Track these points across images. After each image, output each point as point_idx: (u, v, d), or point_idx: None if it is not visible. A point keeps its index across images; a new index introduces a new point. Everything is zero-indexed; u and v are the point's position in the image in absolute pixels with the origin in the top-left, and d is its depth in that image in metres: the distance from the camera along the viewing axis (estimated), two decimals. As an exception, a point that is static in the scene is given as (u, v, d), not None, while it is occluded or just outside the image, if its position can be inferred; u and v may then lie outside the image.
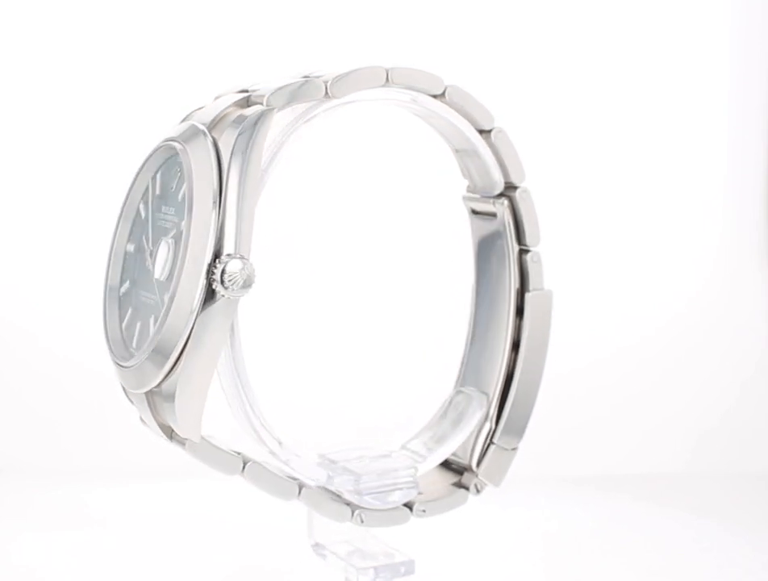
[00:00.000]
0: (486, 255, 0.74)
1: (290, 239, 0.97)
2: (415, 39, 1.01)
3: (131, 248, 0.67)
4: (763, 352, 1.06)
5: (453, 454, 0.74)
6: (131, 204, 0.67)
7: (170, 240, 0.63)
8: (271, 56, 0.99)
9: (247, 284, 0.60)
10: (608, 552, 0.83)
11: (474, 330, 0.76)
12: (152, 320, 0.63)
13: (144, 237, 0.66)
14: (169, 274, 0.62)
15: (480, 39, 1.03)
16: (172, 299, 0.60)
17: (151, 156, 0.66)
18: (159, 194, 0.65)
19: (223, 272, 0.60)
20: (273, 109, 0.63)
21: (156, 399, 0.63)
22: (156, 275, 0.63)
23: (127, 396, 0.66)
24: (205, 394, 0.61)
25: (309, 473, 0.69)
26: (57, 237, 1.02)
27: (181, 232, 0.61)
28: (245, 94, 0.65)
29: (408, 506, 0.71)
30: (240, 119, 0.62)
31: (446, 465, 0.75)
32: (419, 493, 0.72)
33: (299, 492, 0.68)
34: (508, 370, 0.74)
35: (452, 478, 0.74)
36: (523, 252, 0.73)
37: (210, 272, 0.60)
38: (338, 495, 0.70)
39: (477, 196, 0.74)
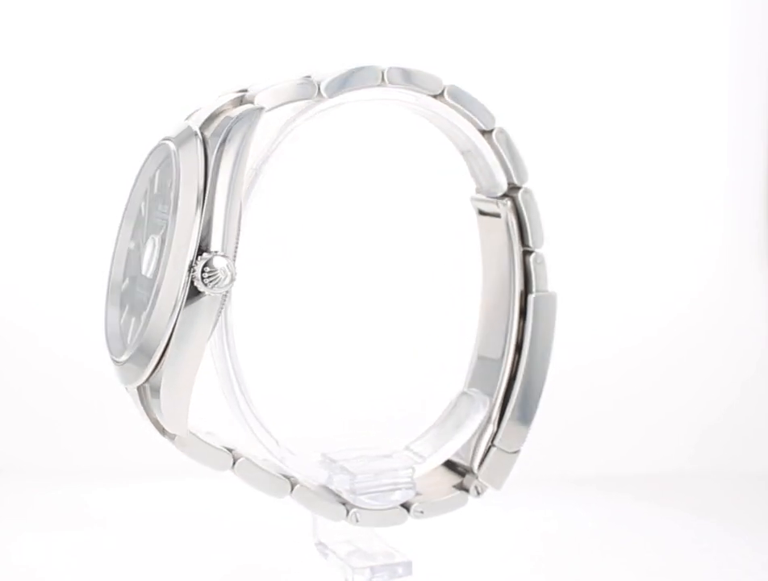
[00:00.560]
0: (492, 256, 0.74)
1: (292, 238, 0.97)
2: (417, 40, 1.01)
3: (132, 245, 0.68)
4: (764, 352, 1.06)
5: (458, 456, 0.74)
6: (134, 202, 0.68)
7: (156, 238, 0.63)
8: (281, 56, 0.99)
9: (229, 282, 0.61)
10: (608, 552, 0.83)
11: (480, 331, 0.76)
12: (142, 316, 0.64)
13: (142, 235, 0.66)
14: (155, 271, 0.63)
15: (482, 39, 1.03)
16: (156, 296, 0.61)
17: (151, 155, 0.66)
18: (156, 193, 0.66)
19: (203, 270, 0.60)
20: (261, 108, 0.63)
21: (146, 395, 0.64)
22: (143, 272, 0.64)
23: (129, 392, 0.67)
24: (190, 390, 0.62)
25: (309, 472, 0.69)
26: (57, 237, 1.02)
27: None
28: (241, 94, 0.65)
29: (406, 507, 0.71)
30: (228, 119, 0.62)
31: (452, 467, 0.75)
32: (418, 494, 0.72)
33: (291, 490, 0.68)
34: (511, 373, 0.73)
35: (455, 480, 0.74)
36: (526, 253, 0.73)
37: (191, 269, 0.61)
38: (337, 495, 0.70)
39: (484, 197, 0.74)
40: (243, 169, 0.62)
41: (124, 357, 0.63)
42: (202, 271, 0.60)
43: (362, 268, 1.00)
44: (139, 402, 0.64)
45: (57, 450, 0.99)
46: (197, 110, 0.66)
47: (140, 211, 0.67)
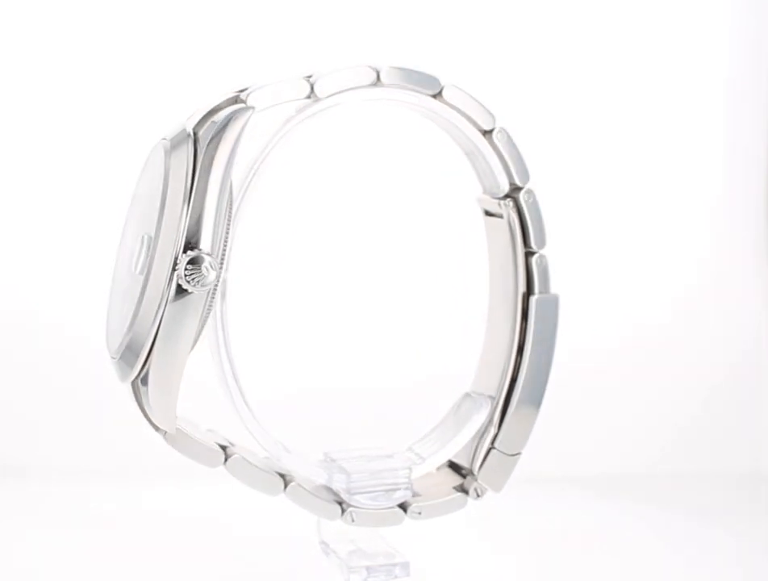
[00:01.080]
0: (497, 257, 0.74)
1: (294, 239, 0.97)
2: (417, 40, 1.01)
3: (133, 244, 0.68)
4: (763, 352, 1.06)
5: (460, 458, 0.74)
6: (136, 201, 0.68)
7: (146, 236, 0.64)
8: (288, 56, 0.99)
9: (214, 279, 0.61)
10: (608, 552, 0.83)
11: (484, 333, 0.75)
12: (131, 314, 0.64)
13: (140, 234, 0.66)
14: (142, 269, 0.63)
15: (482, 39, 1.03)
16: (143, 293, 0.62)
17: (151, 154, 0.67)
18: (152, 192, 0.66)
19: (186, 267, 0.61)
20: (251, 108, 0.63)
21: (140, 391, 0.64)
22: (133, 269, 0.65)
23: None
24: (177, 387, 0.63)
25: (309, 472, 0.69)
26: (57, 237, 1.02)
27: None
28: (238, 93, 0.65)
29: (403, 507, 0.71)
30: (217, 119, 0.62)
31: (456, 468, 0.75)
32: (417, 495, 0.71)
33: (285, 488, 0.68)
34: (513, 375, 0.73)
35: (456, 481, 0.74)
36: (529, 254, 0.73)
37: (175, 268, 0.61)
38: (336, 494, 0.70)
39: (488, 197, 0.74)
40: (231, 168, 0.62)
41: (117, 354, 0.64)
42: (186, 268, 0.61)
43: (364, 269, 1.00)
44: (134, 398, 0.65)
45: (57, 450, 0.99)
46: (197, 110, 0.66)
47: (141, 210, 0.67)
